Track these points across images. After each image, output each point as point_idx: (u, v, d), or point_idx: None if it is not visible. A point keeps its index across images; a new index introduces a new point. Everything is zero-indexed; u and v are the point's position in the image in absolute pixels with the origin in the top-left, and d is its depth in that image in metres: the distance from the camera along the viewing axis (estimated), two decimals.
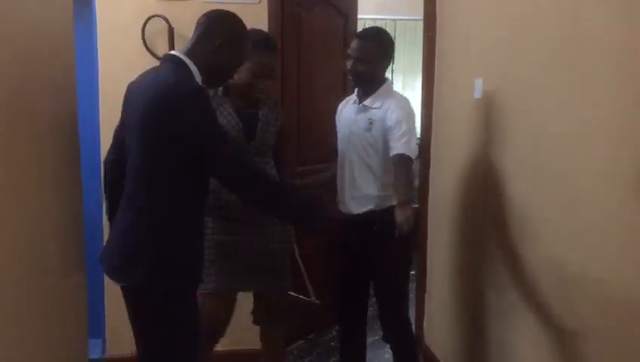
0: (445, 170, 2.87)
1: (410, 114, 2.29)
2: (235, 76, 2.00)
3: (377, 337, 2.62)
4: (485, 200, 2.42)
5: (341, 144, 2.45)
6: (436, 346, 3.00)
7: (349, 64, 2.33)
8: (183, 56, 1.76)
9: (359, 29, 4.25)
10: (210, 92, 2.15)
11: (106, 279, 2.80)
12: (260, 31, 2.26)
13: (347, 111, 2.46)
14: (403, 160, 2.21)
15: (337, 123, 2.52)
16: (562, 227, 1.80)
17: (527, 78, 2.04)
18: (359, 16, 3.75)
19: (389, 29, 5.50)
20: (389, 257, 2.31)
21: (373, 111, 2.31)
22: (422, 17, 3.15)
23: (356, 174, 2.35)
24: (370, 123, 2.30)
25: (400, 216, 2.15)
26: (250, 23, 2.99)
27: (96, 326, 2.78)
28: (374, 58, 2.30)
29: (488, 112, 2.36)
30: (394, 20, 5.53)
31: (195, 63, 1.76)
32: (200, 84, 1.75)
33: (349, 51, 2.34)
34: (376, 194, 2.31)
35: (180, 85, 1.68)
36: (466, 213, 2.62)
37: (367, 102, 2.34)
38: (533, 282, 1.99)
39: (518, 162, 2.12)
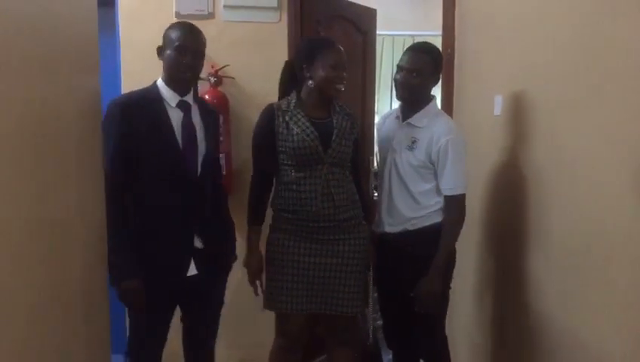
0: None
1: (459, 138, 2.20)
2: (309, 82, 2.17)
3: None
4: (507, 217, 2.40)
5: (381, 160, 2.40)
6: None
7: (399, 77, 2.24)
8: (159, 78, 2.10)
9: (378, 45, 4.30)
10: (283, 105, 2.21)
11: None
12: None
13: (389, 127, 2.38)
14: (454, 201, 2.17)
15: (377, 137, 2.48)
16: (584, 242, 1.78)
17: (547, 94, 2.03)
18: (378, 32, 3.76)
19: (408, 45, 5.52)
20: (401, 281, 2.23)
21: (417, 129, 2.23)
22: (440, 33, 3.16)
23: (394, 193, 2.26)
24: (414, 142, 2.21)
25: (424, 288, 2.10)
26: (270, 41, 3.04)
27: (117, 341, 2.79)
28: (427, 71, 2.21)
29: (508, 129, 2.36)
30: (412, 36, 5.55)
31: (163, 79, 2.08)
32: (165, 96, 2.06)
33: (399, 63, 2.26)
34: (412, 215, 2.22)
35: None
36: (490, 229, 2.60)
37: (412, 120, 2.24)
38: (557, 299, 1.97)
39: (539, 180, 2.11)
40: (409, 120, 2.25)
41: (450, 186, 2.17)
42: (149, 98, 2.04)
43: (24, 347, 1.42)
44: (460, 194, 2.17)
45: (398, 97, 2.30)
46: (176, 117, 2.05)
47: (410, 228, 2.23)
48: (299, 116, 2.18)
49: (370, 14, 3.62)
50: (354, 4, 3.50)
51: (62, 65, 1.72)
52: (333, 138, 2.17)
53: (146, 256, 2.02)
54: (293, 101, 2.22)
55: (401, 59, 2.27)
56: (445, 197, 2.19)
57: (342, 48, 2.22)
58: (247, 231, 2.29)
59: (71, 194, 1.79)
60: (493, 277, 2.56)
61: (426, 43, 2.32)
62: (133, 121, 1.98)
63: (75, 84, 1.87)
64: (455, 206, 2.18)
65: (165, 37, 2.07)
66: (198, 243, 2.10)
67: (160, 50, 2.08)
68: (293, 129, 2.15)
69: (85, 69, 1.99)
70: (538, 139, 2.12)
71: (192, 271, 2.09)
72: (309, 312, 2.23)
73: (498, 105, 2.44)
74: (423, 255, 2.16)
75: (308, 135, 2.14)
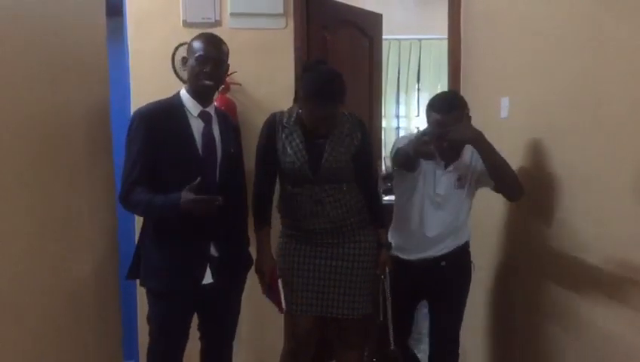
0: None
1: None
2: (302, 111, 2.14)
3: None
4: (518, 220, 2.40)
5: (419, 199, 2.29)
6: None
7: (437, 144, 2.07)
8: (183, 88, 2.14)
9: (384, 49, 4.30)
10: (285, 117, 2.22)
11: (139, 300, 2.86)
12: (321, 76, 2.10)
13: (425, 170, 2.26)
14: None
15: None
16: (589, 250, 1.78)
17: (554, 96, 2.03)
18: (384, 36, 3.78)
19: (414, 49, 5.56)
20: (452, 291, 2.33)
21: (459, 168, 2.25)
22: (446, 37, 3.17)
23: (440, 226, 2.28)
24: (459, 179, 2.25)
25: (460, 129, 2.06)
26: (276, 48, 3.05)
27: (129, 347, 2.81)
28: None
29: (515, 132, 2.35)
30: (419, 40, 5.56)
31: (187, 89, 2.11)
32: (187, 106, 2.09)
33: (435, 128, 2.10)
34: (455, 238, 2.31)
35: None
36: (500, 232, 2.59)
37: (455, 164, 2.25)
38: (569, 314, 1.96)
39: (548, 182, 2.10)
40: (454, 165, 2.26)
41: None
42: (171, 107, 2.08)
43: (37, 354, 1.44)
44: None
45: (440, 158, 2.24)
46: (197, 126, 2.08)
47: (448, 250, 2.31)
48: (294, 135, 2.18)
49: (375, 19, 3.64)
50: (359, 9, 3.52)
51: (72, 74, 1.75)
52: (323, 162, 2.16)
53: (164, 262, 2.05)
54: (294, 115, 2.21)
55: (436, 123, 2.12)
56: None
57: (330, 105, 2.08)
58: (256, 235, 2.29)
59: (81, 198, 1.82)
60: (503, 283, 2.56)
61: (449, 98, 2.22)
62: (156, 130, 2.02)
63: (85, 93, 1.90)
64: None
65: (188, 48, 2.11)
66: (213, 251, 2.11)
67: (184, 61, 2.13)
68: (287, 149, 2.18)
69: (95, 77, 2.02)
70: (546, 142, 2.11)
71: (208, 279, 2.08)
72: (314, 315, 2.24)
73: (505, 108, 2.44)
74: (455, 271, 2.32)
75: (298, 158, 2.16)
